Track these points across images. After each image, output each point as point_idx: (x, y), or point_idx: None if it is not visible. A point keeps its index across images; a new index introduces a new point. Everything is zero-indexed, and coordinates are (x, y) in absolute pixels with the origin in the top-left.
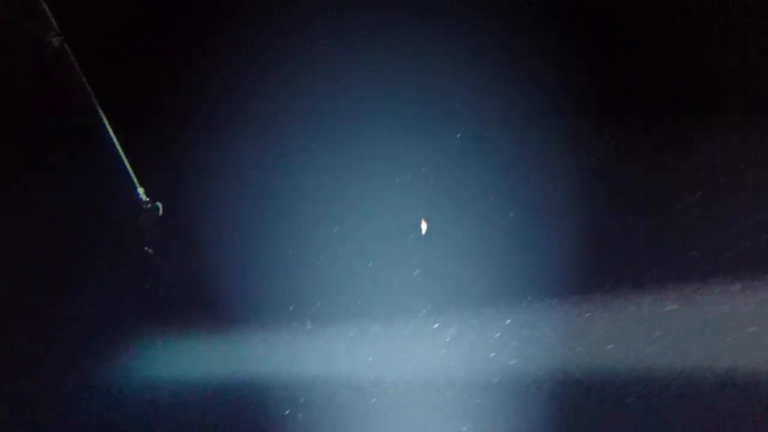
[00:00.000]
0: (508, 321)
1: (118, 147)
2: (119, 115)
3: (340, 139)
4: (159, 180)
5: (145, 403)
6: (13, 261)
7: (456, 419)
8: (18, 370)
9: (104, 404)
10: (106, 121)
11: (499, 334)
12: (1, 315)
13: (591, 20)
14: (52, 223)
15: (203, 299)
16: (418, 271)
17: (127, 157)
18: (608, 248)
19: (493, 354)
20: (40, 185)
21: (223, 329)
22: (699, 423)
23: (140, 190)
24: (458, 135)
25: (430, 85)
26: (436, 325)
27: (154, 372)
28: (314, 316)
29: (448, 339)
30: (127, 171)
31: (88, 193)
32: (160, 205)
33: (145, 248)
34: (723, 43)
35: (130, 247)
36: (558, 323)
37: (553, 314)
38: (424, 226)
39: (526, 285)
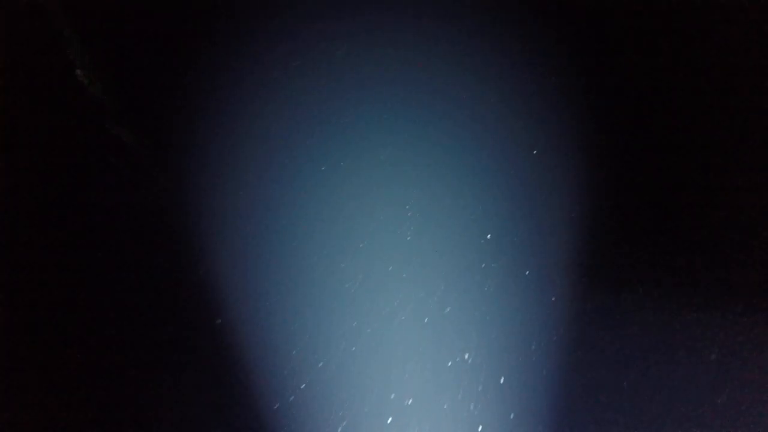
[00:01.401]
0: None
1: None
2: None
3: (340, 140)
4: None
5: None
6: None
7: None
8: None
9: None
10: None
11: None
12: None
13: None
14: None
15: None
16: (416, 274)
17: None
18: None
19: None
20: None
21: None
22: None
23: (78, 72)
24: (461, 138)
25: (436, 88)
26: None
27: None
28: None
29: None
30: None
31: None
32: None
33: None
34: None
35: None
36: None
37: None
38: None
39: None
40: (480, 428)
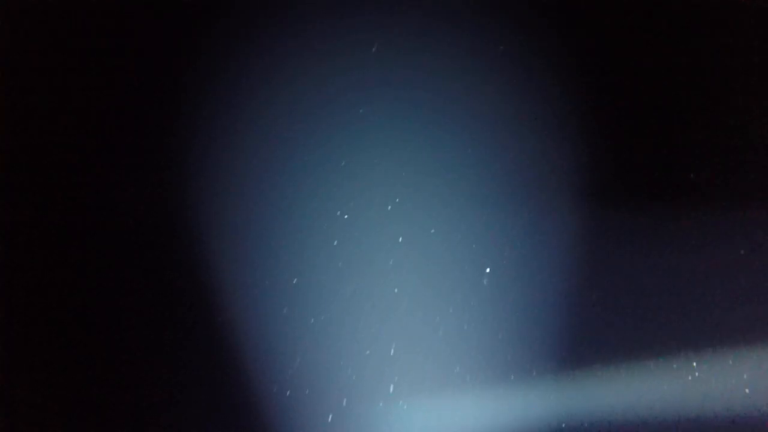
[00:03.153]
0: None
1: None
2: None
3: (340, 140)
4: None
5: None
6: None
7: None
8: None
9: None
10: None
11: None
12: None
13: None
14: None
15: None
16: (417, 274)
17: None
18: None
19: None
20: None
21: None
22: None
23: None
24: (463, 138)
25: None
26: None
27: None
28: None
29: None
30: None
31: None
32: None
33: None
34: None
35: None
36: None
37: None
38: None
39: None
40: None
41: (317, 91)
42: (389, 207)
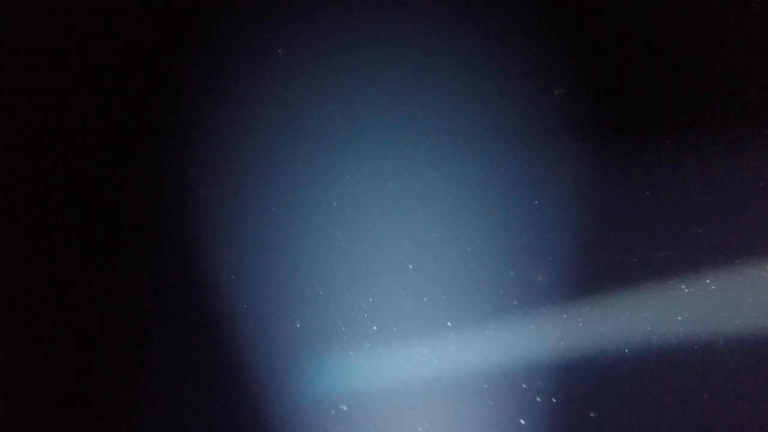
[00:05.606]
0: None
1: None
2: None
3: (340, 140)
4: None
5: None
6: None
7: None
8: None
9: None
10: None
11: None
12: None
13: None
14: None
15: None
16: (417, 275)
17: None
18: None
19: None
20: None
21: None
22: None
23: None
24: (464, 137)
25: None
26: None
27: None
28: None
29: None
30: None
31: None
32: None
33: None
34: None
35: None
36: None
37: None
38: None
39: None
40: None
41: (317, 92)
42: (387, 205)
